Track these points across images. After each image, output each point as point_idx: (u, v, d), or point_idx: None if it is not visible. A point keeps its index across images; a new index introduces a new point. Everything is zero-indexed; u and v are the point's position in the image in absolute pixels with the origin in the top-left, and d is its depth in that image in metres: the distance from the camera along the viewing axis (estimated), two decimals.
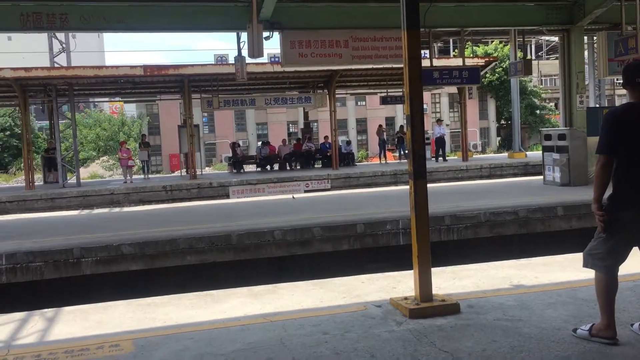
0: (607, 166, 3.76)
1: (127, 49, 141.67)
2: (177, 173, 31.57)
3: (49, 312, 5.51)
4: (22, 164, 24.89)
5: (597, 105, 25.46)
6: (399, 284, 5.81)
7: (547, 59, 52.60)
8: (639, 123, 3.75)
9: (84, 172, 30.71)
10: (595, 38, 18.75)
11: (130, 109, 45.78)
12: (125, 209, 14.94)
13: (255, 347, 4.21)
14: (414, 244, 4.90)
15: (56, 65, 27.63)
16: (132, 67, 20.76)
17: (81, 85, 22.42)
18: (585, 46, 23.57)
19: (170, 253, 8.54)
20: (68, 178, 22.56)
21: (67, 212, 15.73)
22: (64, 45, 29.54)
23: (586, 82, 18.72)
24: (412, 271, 4.98)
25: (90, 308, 5.58)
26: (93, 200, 18.72)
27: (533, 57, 48.46)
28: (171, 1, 11.52)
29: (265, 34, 11.68)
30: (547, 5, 13.31)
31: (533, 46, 51.15)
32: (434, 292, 4.96)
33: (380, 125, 29.90)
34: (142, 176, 24.54)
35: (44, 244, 8.58)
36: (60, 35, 28.94)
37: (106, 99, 36.76)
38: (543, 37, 34.68)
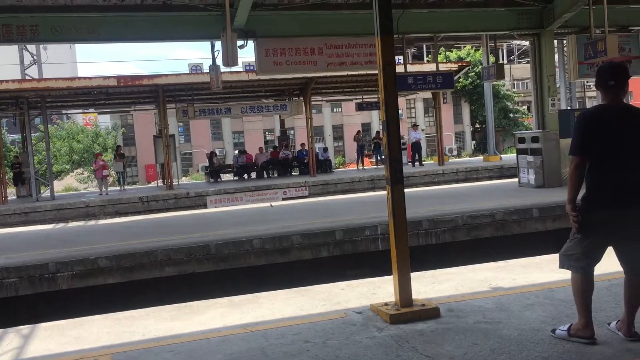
0: (580, 167, 3.82)
1: (100, 60, 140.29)
2: (153, 184, 31.30)
3: (24, 329, 5.41)
4: None
5: (569, 108, 25.87)
6: (379, 290, 5.82)
7: (519, 63, 53.32)
8: (610, 124, 3.81)
9: (58, 185, 30.27)
10: (565, 42, 19.09)
11: (105, 120, 45.31)
12: (101, 222, 14.76)
13: (236, 357, 4.18)
14: (393, 249, 4.92)
15: (27, 77, 27.22)
16: (105, 78, 20.56)
17: (53, 97, 22.11)
18: (556, 50, 23.97)
19: (148, 265, 8.45)
20: (42, 191, 22.21)
21: (41, 226, 15.48)
22: (35, 57, 29.11)
23: (557, 85, 19.00)
24: (391, 276, 5.00)
25: (68, 323, 5.49)
26: (68, 214, 18.45)
27: (505, 62, 49.03)
28: (144, 11, 11.44)
29: (240, 42, 11.66)
30: (517, 10, 13.50)
31: (505, 50, 51.80)
32: (414, 296, 4.98)
33: (358, 132, 30.01)
34: (118, 188, 24.27)
35: (18, 259, 8.43)
36: (31, 47, 28.52)
37: (80, 111, 36.31)
38: (514, 42, 35.21)
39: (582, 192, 3.88)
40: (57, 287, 8.13)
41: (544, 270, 6.16)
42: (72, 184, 34.73)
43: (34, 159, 22.80)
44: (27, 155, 22.06)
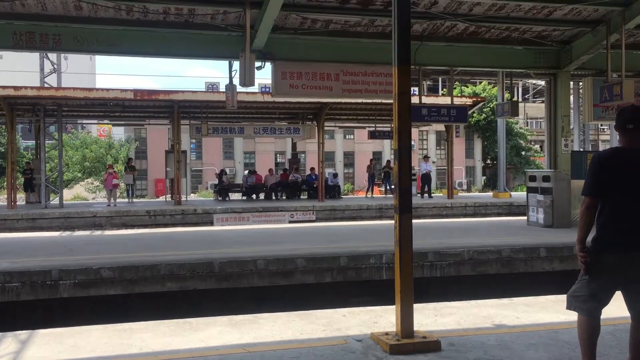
0: (591, 208, 3.79)
1: (118, 73, 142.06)
2: (161, 198, 31.37)
3: (22, 334, 5.39)
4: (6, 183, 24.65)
5: (582, 149, 25.82)
6: (380, 319, 5.76)
7: (534, 101, 53.45)
8: (624, 167, 3.79)
9: (67, 194, 30.42)
10: (581, 83, 19.11)
11: (118, 132, 45.64)
12: (107, 232, 14.78)
13: None
14: (397, 279, 4.88)
15: (46, 85, 27.58)
16: (122, 90, 20.79)
17: (70, 107, 22.36)
18: (571, 91, 24.01)
19: (150, 278, 8.42)
20: (51, 199, 22.31)
21: (48, 232, 15.52)
22: (55, 66, 29.53)
23: (571, 126, 19.01)
24: (394, 306, 4.95)
25: (66, 331, 5.47)
26: (75, 222, 18.50)
27: (520, 99, 49.19)
28: (166, 27, 11.60)
29: (258, 63, 11.78)
30: (535, 49, 13.57)
31: (520, 88, 51.99)
32: (415, 328, 4.92)
33: (371, 160, 30.06)
34: (126, 200, 24.36)
35: (22, 265, 8.43)
36: (52, 56, 28.94)
37: (95, 121, 36.66)
38: (530, 80, 35.32)
39: (592, 233, 3.84)
40: (59, 294, 8.11)
41: (549, 311, 6.08)
42: (82, 193, 34.86)
43: (46, 167, 22.94)
44: (40, 162, 22.23)
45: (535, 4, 11.42)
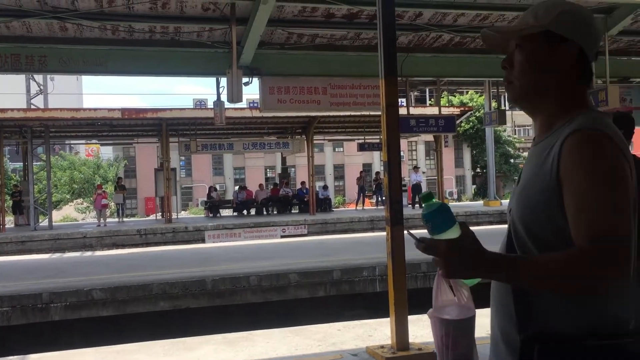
0: None
1: (106, 92, 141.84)
2: (152, 217, 31.21)
3: (13, 359, 5.31)
4: None
5: None
6: (375, 332, 5.73)
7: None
8: None
9: (57, 215, 30.19)
10: None
11: (107, 152, 45.49)
12: (98, 253, 14.67)
13: None
14: (391, 291, 4.87)
15: (33, 106, 27.48)
16: (110, 109, 20.76)
17: (57, 127, 22.26)
18: None
19: (142, 298, 8.35)
20: (40, 221, 22.14)
21: (38, 255, 15.38)
22: (41, 87, 29.46)
23: None
24: (388, 319, 4.93)
25: (59, 355, 5.40)
26: (65, 244, 18.35)
27: (507, 107, 49.53)
28: (152, 46, 11.59)
29: (245, 79, 11.78)
30: None
31: (507, 97, 52.41)
32: (410, 340, 4.90)
33: (361, 172, 30.10)
34: (117, 219, 24.21)
35: (12, 288, 8.34)
36: (38, 77, 28.87)
37: (83, 142, 36.49)
38: None
39: None
40: (50, 317, 8.02)
41: None
42: (71, 214, 34.64)
43: (34, 188, 22.79)
44: (28, 183, 22.09)
45: (518, 13, 11.51)
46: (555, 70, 1.56)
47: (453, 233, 1.42)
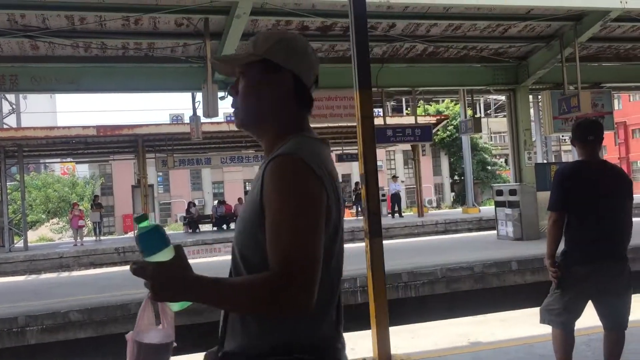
0: (558, 222, 3.83)
1: (80, 109, 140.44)
2: (130, 234, 30.87)
3: None
4: None
5: (545, 161, 26.32)
6: (356, 345, 5.69)
7: (496, 116, 54.48)
8: (588, 180, 3.85)
9: (32, 235, 29.70)
10: (540, 97, 19.55)
11: (83, 170, 44.95)
12: (75, 273, 14.43)
13: None
14: (371, 304, 4.85)
15: (5, 126, 27.08)
16: (84, 127, 20.54)
17: (31, 147, 21.95)
18: (531, 104, 24.54)
19: (121, 318, 8.21)
20: (15, 242, 21.76)
21: (12, 277, 15.07)
22: (13, 106, 29.06)
23: (533, 139, 19.36)
24: (370, 331, 4.91)
25: None
26: (41, 265, 18.03)
27: (482, 115, 50.11)
28: (125, 62, 11.51)
29: (221, 94, 11.73)
30: (493, 66, 13.85)
31: (482, 104, 53.01)
32: (392, 352, 4.88)
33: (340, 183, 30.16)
34: (94, 238, 23.88)
35: None
36: (11, 96, 28.49)
37: (58, 160, 36.07)
38: (491, 96, 36.05)
39: (562, 247, 3.87)
40: (26, 341, 7.84)
41: (525, 324, 6.10)
42: (47, 234, 34.09)
43: (9, 209, 22.40)
44: (2, 204, 21.70)
45: (490, 22, 11.68)
46: (272, 97, 1.60)
47: (165, 256, 1.38)
